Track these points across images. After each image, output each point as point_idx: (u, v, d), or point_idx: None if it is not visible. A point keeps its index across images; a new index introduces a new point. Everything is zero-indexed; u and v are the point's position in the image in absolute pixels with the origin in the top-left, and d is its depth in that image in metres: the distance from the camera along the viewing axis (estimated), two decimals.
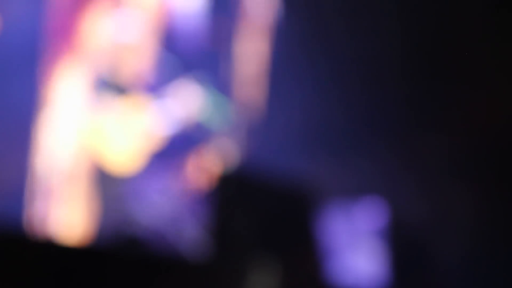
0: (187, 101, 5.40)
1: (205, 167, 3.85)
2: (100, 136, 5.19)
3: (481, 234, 9.20)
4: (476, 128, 9.32)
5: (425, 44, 9.74)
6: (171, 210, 3.91)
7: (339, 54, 9.48)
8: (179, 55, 8.16)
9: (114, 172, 5.18)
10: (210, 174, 3.80)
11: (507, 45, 9.14)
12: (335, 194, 8.63)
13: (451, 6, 8.97)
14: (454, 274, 6.74)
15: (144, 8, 6.76)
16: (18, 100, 6.66)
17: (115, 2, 6.85)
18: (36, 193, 6.72)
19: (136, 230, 4.01)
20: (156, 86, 5.71)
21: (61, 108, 6.93)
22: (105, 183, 5.18)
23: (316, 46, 9.35)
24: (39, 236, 6.54)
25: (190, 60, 8.29)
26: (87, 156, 5.19)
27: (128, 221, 4.08)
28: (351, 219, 5.40)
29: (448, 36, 9.45)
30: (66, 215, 7.01)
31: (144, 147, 5.32)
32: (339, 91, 9.68)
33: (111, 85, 5.31)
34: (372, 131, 9.68)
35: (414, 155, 9.65)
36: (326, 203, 5.14)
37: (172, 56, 5.64)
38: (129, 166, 5.22)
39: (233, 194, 3.88)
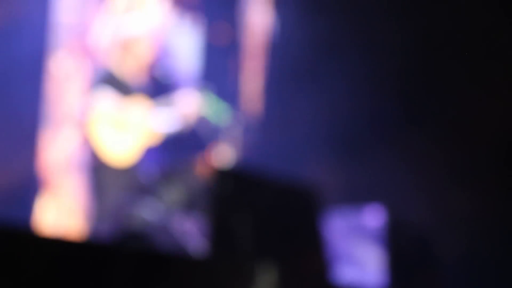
0: (188, 103, 5.43)
1: (208, 165, 3.88)
2: (104, 130, 5.21)
3: (481, 239, 9.22)
4: (477, 133, 9.35)
5: (428, 53, 9.77)
6: (173, 206, 3.94)
7: (345, 62, 9.51)
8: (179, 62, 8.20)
9: (118, 167, 5.19)
10: (211, 172, 3.83)
11: (508, 50, 9.17)
12: (337, 199, 8.65)
13: (459, 15, 9.02)
14: (454, 279, 6.76)
15: (149, 14, 6.84)
16: (25, 98, 6.70)
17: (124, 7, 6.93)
18: (42, 189, 6.76)
19: (140, 225, 4.04)
20: (159, 87, 5.75)
21: (66, 104, 6.96)
22: (110, 179, 5.20)
23: (324, 54, 9.40)
24: (45, 231, 6.56)
25: (192, 66, 8.33)
26: (93, 151, 5.20)
27: (133, 216, 4.10)
28: (351, 223, 5.42)
29: (453, 45, 9.47)
30: (71, 210, 7.04)
31: (144, 143, 5.35)
32: (343, 97, 9.70)
33: (116, 81, 5.35)
34: (373, 136, 9.71)
35: (415, 160, 9.68)
36: (327, 206, 5.16)
37: (172, 61, 5.69)
38: (129, 160, 5.23)
39: (234, 193, 3.91)
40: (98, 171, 5.17)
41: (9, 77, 6.60)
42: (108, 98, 5.19)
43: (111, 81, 5.25)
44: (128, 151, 5.23)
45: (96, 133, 5.15)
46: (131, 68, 5.33)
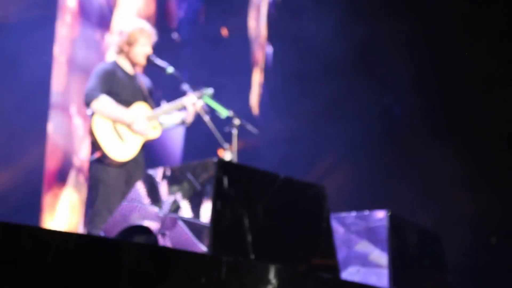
0: (191, 99, 5.47)
1: (215, 161, 3.85)
2: (105, 124, 5.23)
3: (484, 240, 9.18)
4: (479, 135, 9.33)
5: (431, 63, 9.77)
6: (179, 201, 3.92)
7: (370, 71, 9.50)
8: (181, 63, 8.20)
9: (122, 162, 5.22)
10: (218, 168, 3.81)
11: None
12: (345, 202, 8.63)
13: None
14: (458, 280, 6.72)
15: None
16: (32, 97, 6.71)
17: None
18: (48, 185, 6.75)
19: (145, 218, 4.01)
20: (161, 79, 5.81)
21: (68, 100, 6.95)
22: (114, 173, 5.23)
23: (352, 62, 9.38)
24: (53, 227, 6.56)
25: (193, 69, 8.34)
26: (96, 146, 5.22)
27: (137, 209, 4.08)
28: (358, 225, 5.41)
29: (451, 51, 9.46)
30: (75, 206, 7.02)
31: (146, 137, 5.38)
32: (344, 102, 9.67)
33: (119, 73, 5.40)
34: (376, 139, 9.69)
35: (419, 163, 9.66)
36: (335, 209, 5.15)
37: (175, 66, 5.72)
38: (131, 154, 5.27)
39: (240, 189, 3.89)
40: (101, 166, 5.20)
41: (16, 72, 6.62)
42: (109, 94, 5.26)
43: (115, 73, 5.33)
44: (130, 146, 5.27)
45: (98, 127, 5.18)
46: (134, 60, 5.44)
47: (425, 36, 9.87)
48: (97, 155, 5.21)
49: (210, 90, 5.59)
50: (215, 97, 5.57)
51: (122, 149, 5.25)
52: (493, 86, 9.52)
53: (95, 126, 5.19)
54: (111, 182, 5.19)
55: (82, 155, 5.42)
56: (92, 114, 5.24)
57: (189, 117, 5.52)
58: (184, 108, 5.51)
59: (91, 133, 5.21)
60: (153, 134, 5.44)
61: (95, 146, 5.23)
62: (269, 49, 10.60)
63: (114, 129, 5.24)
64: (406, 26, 9.81)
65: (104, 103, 5.20)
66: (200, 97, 5.52)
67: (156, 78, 5.87)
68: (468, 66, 9.54)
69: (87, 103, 5.23)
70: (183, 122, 5.59)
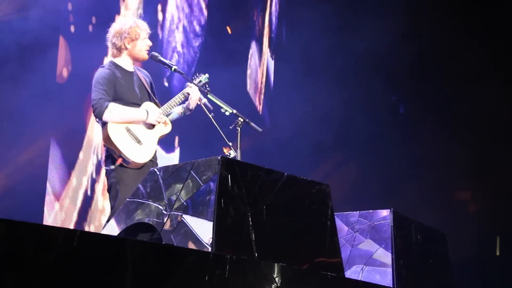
0: (192, 92, 5.48)
1: (218, 158, 3.85)
2: (119, 130, 5.22)
3: (487, 240, 9.15)
4: (479, 133, 9.32)
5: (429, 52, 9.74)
6: (183, 199, 3.91)
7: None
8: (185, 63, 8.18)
9: (137, 166, 5.22)
10: (220, 165, 3.80)
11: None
12: (349, 201, 8.61)
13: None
14: (460, 280, 6.71)
15: None
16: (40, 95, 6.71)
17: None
18: (54, 184, 6.74)
19: (150, 217, 4.00)
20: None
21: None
22: (136, 173, 5.22)
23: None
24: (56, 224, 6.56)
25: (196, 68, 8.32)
26: (110, 150, 5.21)
27: (143, 208, 4.07)
28: (362, 225, 5.40)
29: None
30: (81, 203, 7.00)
31: (155, 137, 5.38)
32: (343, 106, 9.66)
33: (121, 73, 5.39)
34: (380, 137, 9.68)
35: (422, 163, 9.64)
36: (339, 208, 5.13)
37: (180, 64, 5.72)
38: (147, 157, 5.27)
39: (243, 187, 3.88)
40: (120, 167, 5.19)
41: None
42: (115, 99, 5.25)
43: (115, 75, 5.31)
44: (147, 147, 5.27)
45: (114, 134, 5.16)
46: (138, 55, 5.44)
47: (428, 34, 9.86)
48: (118, 162, 5.20)
49: (206, 75, 5.63)
50: (218, 95, 5.56)
51: (141, 151, 5.24)
52: (500, 85, 9.51)
53: (112, 133, 5.17)
54: (130, 182, 5.17)
55: (102, 162, 5.39)
56: (104, 122, 5.21)
57: (191, 105, 5.54)
58: (186, 98, 5.54)
59: (108, 141, 5.18)
60: (165, 129, 5.46)
61: (112, 152, 5.21)
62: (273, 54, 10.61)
63: (129, 134, 5.23)
64: (407, 23, 9.82)
65: (115, 110, 5.19)
66: (199, 83, 5.55)
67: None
68: (474, 66, 9.53)
69: (98, 116, 5.21)
70: (186, 111, 5.61)
